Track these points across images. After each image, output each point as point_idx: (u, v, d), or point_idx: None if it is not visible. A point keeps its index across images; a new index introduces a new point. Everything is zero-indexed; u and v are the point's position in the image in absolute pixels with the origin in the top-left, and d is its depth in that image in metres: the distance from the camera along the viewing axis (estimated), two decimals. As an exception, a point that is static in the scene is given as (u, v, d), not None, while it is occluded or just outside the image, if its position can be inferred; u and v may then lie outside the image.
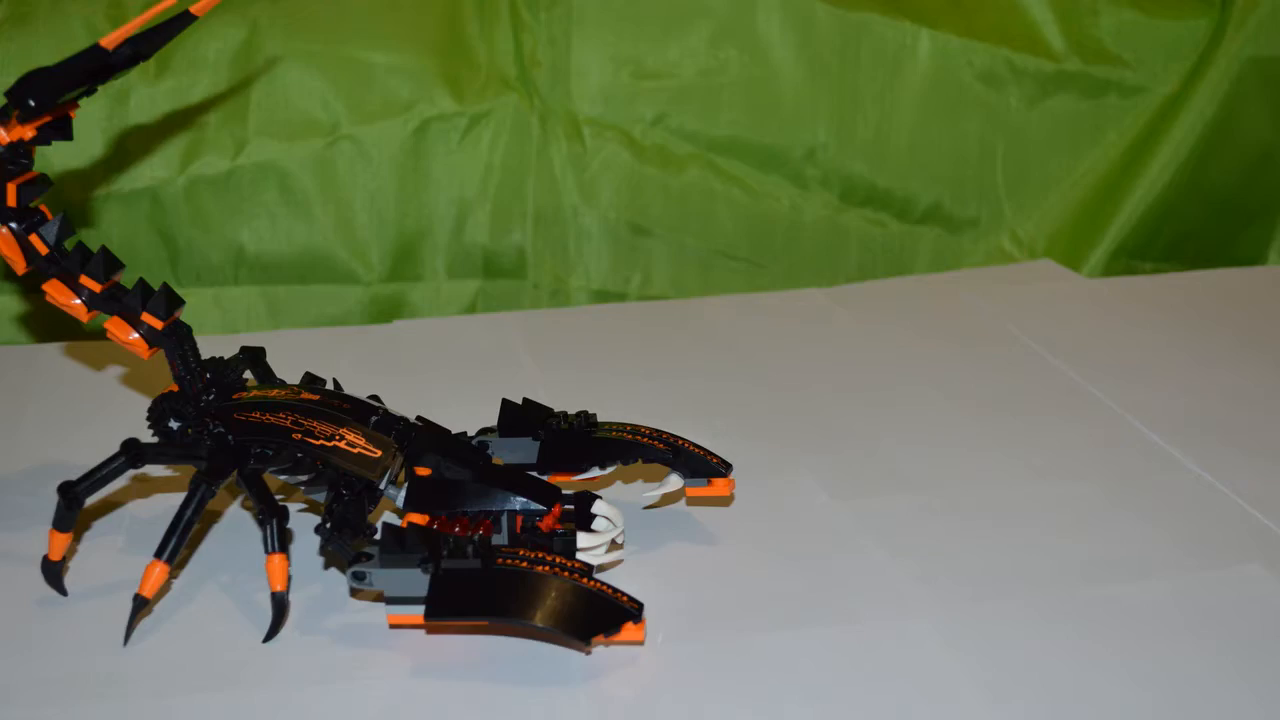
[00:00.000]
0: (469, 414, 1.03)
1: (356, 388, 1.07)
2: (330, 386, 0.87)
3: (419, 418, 0.83)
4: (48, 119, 0.76)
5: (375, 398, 0.85)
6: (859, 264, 1.34)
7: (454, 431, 0.84)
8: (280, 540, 0.74)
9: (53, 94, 0.72)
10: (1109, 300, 1.24)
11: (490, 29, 1.24)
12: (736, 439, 0.96)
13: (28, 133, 0.75)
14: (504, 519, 0.77)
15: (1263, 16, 1.31)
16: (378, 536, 0.73)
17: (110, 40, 0.71)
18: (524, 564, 0.71)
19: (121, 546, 0.85)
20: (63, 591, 0.79)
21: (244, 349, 0.88)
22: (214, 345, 1.15)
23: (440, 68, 1.22)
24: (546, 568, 0.71)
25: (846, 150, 1.32)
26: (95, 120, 1.18)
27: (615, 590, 0.71)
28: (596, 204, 1.28)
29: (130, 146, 1.19)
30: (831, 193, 1.32)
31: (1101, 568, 0.81)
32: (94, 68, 0.72)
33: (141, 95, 1.18)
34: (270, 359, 1.12)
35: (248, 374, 0.88)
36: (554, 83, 1.25)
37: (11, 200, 0.76)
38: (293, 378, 1.09)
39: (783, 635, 0.75)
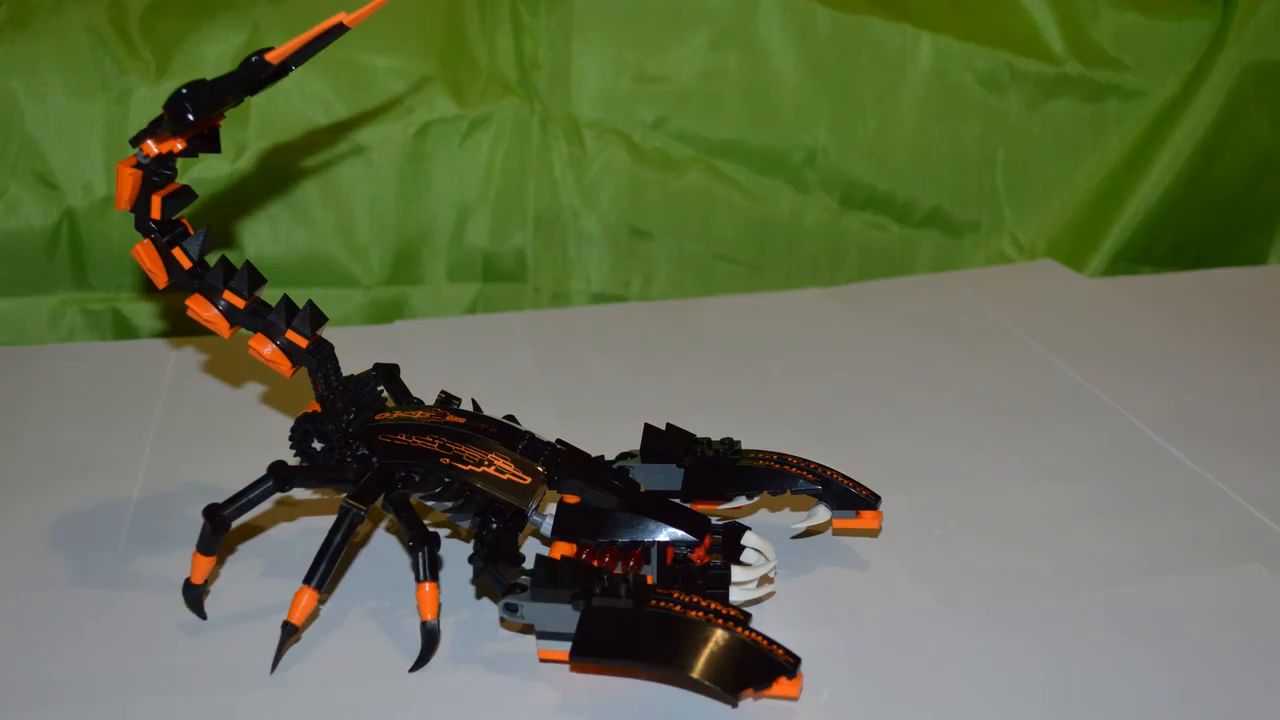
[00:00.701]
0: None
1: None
2: (468, 407, 0.84)
3: (559, 441, 0.80)
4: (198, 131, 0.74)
5: (511, 418, 0.83)
6: (859, 267, 1.34)
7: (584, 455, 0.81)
8: (432, 568, 0.72)
9: (210, 106, 0.70)
10: (1110, 300, 1.24)
11: (491, 32, 1.24)
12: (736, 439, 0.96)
13: (178, 145, 0.74)
14: (654, 550, 0.74)
15: (1263, 21, 1.31)
16: (527, 565, 0.72)
17: (276, 55, 0.69)
18: (677, 608, 0.67)
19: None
20: (202, 615, 0.77)
21: (377, 366, 0.85)
22: (214, 345, 1.16)
23: (441, 71, 1.22)
24: (700, 613, 0.67)
25: (847, 154, 1.31)
26: (95, 124, 1.17)
27: (771, 641, 0.66)
28: (597, 207, 1.28)
29: (130, 150, 1.18)
30: (831, 196, 1.32)
31: (1101, 568, 0.81)
32: (253, 81, 0.71)
33: (141, 98, 1.18)
34: (270, 359, 1.12)
35: (383, 391, 0.85)
36: (554, 86, 1.25)
37: (156, 212, 0.75)
38: (298, 377, 1.09)
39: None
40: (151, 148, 0.73)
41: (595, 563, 0.73)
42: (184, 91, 0.70)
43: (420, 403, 0.84)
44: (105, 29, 1.17)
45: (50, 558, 0.84)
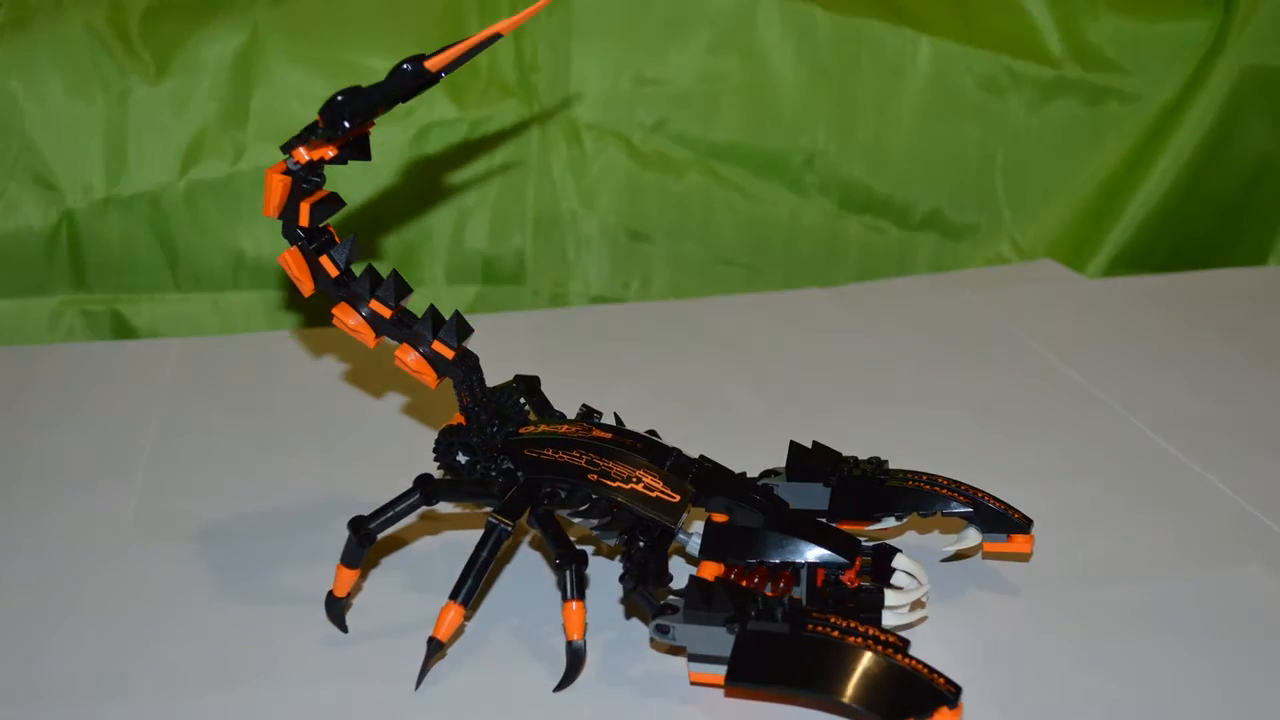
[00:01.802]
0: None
1: (356, 386, 1.08)
2: (610, 420, 0.82)
3: (702, 457, 0.78)
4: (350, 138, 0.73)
5: (653, 433, 0.81)
6: (858, 270, 1.34)
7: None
8: (579, 587, 0.70)
9: (366, 113, 0.69)
10: (1110, 300, 1.24)
11: (490, 34, 1.24)
12: (736, 438, 0.96)
13: (329, 152, 0.73)
14: (804, 572, 0.72)
15: (1261, 25, 1.31)
16: (674, 585, 0.70)
17: (435, 63, 0.68)
18: (835, 633, 0.65)
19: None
20: (344, 629, 0.76)
21: (518, 377, 0.84)
22: (215, 345, 1.16)
23: (440, 73, 1.22)
24: (859, 639, 0.64)
25: (846, 156, 1.32)
26: (95, 124, 1.17)
27: (931, 670, 0.64)
28: (596, 209, 1.28)
29: (130, 151, 1.19)
30: (830, 199, 1.32)
31: (1101, 568, 0.81)
32: (408, 89, 0.69)
33: (141, 99, 1.18)
34: (270, 359, 1.13)
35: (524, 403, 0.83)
36: (554, 88, 1.25)
37: (304, 220, 0.74)
38: (298, 377, 1.10)
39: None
40: (303, 154, 0.72)
41: (744, 583, 0.71)
42: (340, 99, 0.69)
43: (563, 416, 0.82)
44: (105, 30, 1.16)
45: (50, 558, 0.84)
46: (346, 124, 0.69)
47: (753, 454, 0.84)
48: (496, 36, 0.68)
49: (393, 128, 1.22)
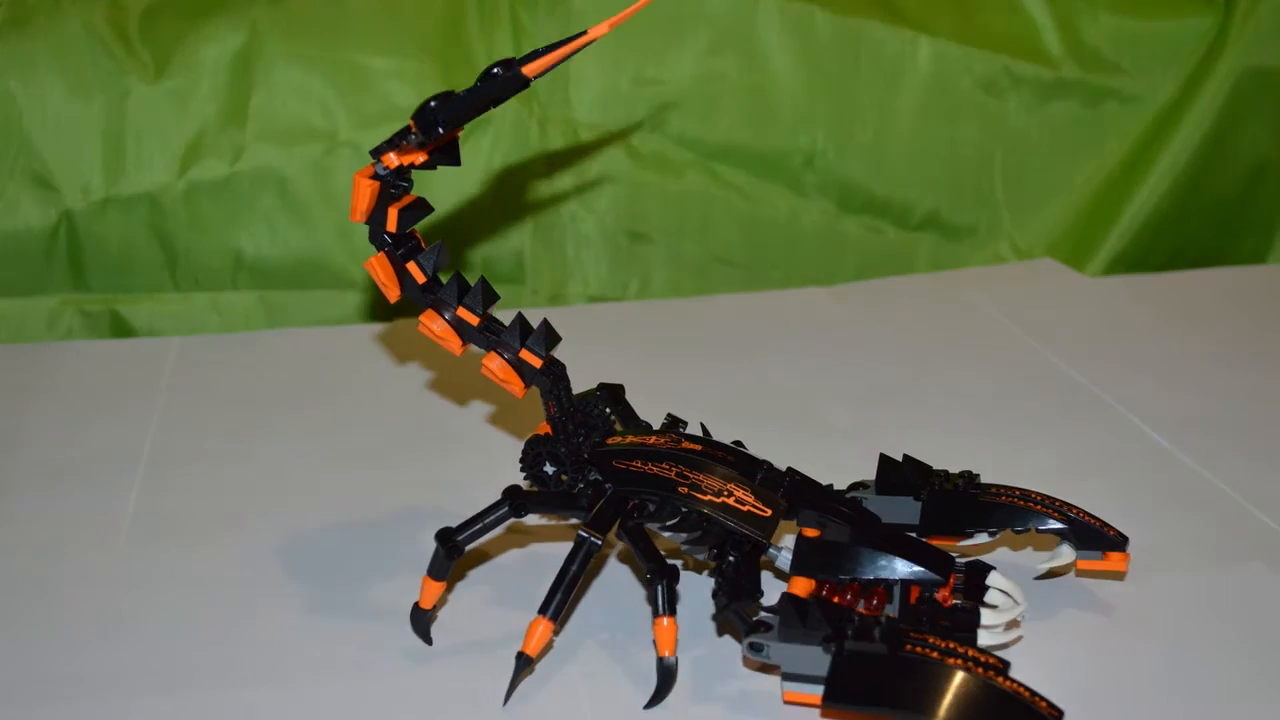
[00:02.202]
0: (469, 414, 1.03)
1: (357, 386, 1.08)
2: (697, 431, 0.81)
3: (790, 469, 0.77)
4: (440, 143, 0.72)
5: (739, 443, 0.80)
6: (856, 271, 1.34)
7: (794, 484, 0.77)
8: (670, 602, 0.69)
9: (460, 119, 0.68)
10: (1110, 299, 1.24)
11: (490, 34, 1.24)
12: (736, 438, 0.96)
13: (419, 157, 0.72)
14: (897, 589, 0.70)
15: (1261, 26, 1.31)
16: (765, 602, 0.69)
17: (532, 69, 0.66)
18: (934, 654, 0.63)
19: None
20: (428, 641, 0.75)
21: (602, 386, 0.82)
22: (214, 345, 1.16)
23: (440, 73, 1.22)
24: (959, 660, 0.63)
25: (845, 157, 1.31)
26: (94, 124, 1.17)
27: (1033, 693, 0.62)
28: (595, 210, 1.28)
29: (129, 151, 1.19)
30: (829, 200, 1.32)
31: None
32: (502, 94, 0.68)
33: (140, 99, 1.18)
34: (270, 358, 1.13)
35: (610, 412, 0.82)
36: (553, 88, 1.25)
37: (392, 225, 0.73)
38: (293, 376, 1.09)
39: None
40: (392, 159, 0.71)
41: (836, 600, 0.70)
42: (433, 104, 0.68)
43: (649, 426, 0.81)
44: (104, 29, 1.16)
45: (50, 558, 0.84)
46: (440, 129, 0.68)
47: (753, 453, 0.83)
48: (589, 41, 0.68)
49: (392, 127, 1.21)
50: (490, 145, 1.24)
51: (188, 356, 1.13)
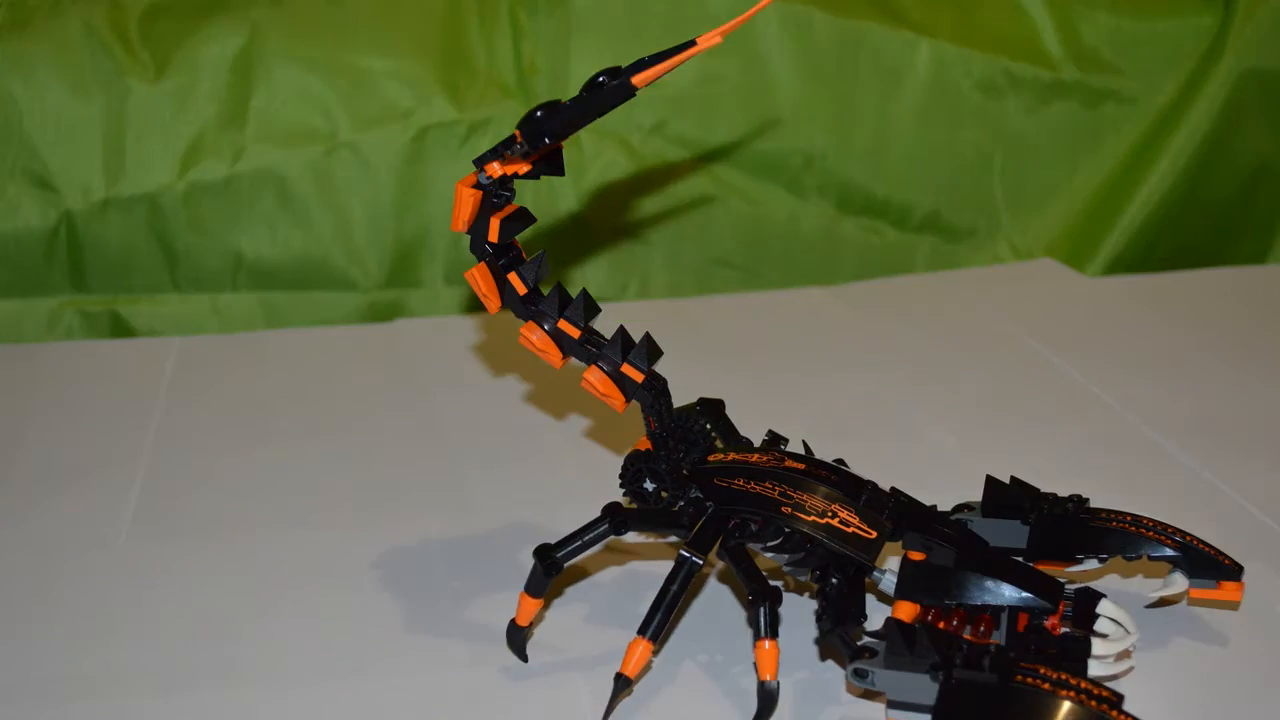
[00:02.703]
0: (469, 414, 1.03)
1: (356, 386, 1.08)
2: (799, 449, 0.79)
3: (894, 490, 0.75)
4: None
5: (841, 461, 0.77)
6: (856, 272, 1.34)
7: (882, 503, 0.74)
8: (773, 625, 0.67)
9: (566, 129, 0.68)
10: (1110, 299, 1.24)
11: (490, 35, 1.24)
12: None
13: (523, 167, 0.70)
14: (1004, 616, 0.68)
15: (1260, 28, 1.31)
16: (868, 626, 0.68)
17: (641, 79, 0.66)
18: (1046, 685, 0.61)
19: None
20: (524, 658, 0.74)
21: (701, 401, 0.81)
22: (215, 345, 1.16)
23: (439, 74, 1.22)
24: (1071, 692, 0.60)
25: (844, 159, 1.31)
26: (94, 126, 1.17)
27: None
28: (594, 211, 1.28)
29: (129, 152, 1.19)
30: (829, 201, 1.32)
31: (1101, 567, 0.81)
32: (609, 104, 0.67)
33: (140, 100, 1.18)
34: (269, 359, 1.13)
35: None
36: (553, 90, 1.25)
37: (493, 235, 0.72)
38: (292, 376, 1.09)
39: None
40: (496, 169, 0.70)
41: (942, 625, 0.68)
42: (540, 114, 0.67)
43: (749, 442, 0.80)
44: (104, 30, 1.16)
45: (50, 558, 0.84)
46: (547, 140, 0.67)
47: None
48: (693, 46, 0.67)
49: (391, 128, 1.22)
50: (489, 147, 1.24)
51: (188, 357, 1.13)
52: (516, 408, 1.04)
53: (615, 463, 0.94)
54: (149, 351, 1.14)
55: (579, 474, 0.94)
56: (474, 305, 1.28)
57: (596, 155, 1.26)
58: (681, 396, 1.04)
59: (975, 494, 0.78)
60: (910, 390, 1.06)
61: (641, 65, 0.66)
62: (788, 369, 1.10)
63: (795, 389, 1.07)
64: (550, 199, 1.26)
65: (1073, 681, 0.61)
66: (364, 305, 1.26)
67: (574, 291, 0.75)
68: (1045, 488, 0.80)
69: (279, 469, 0.95)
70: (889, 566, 0.73)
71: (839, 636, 0.67)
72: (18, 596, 0.80)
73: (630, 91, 0.66)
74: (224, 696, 0.71)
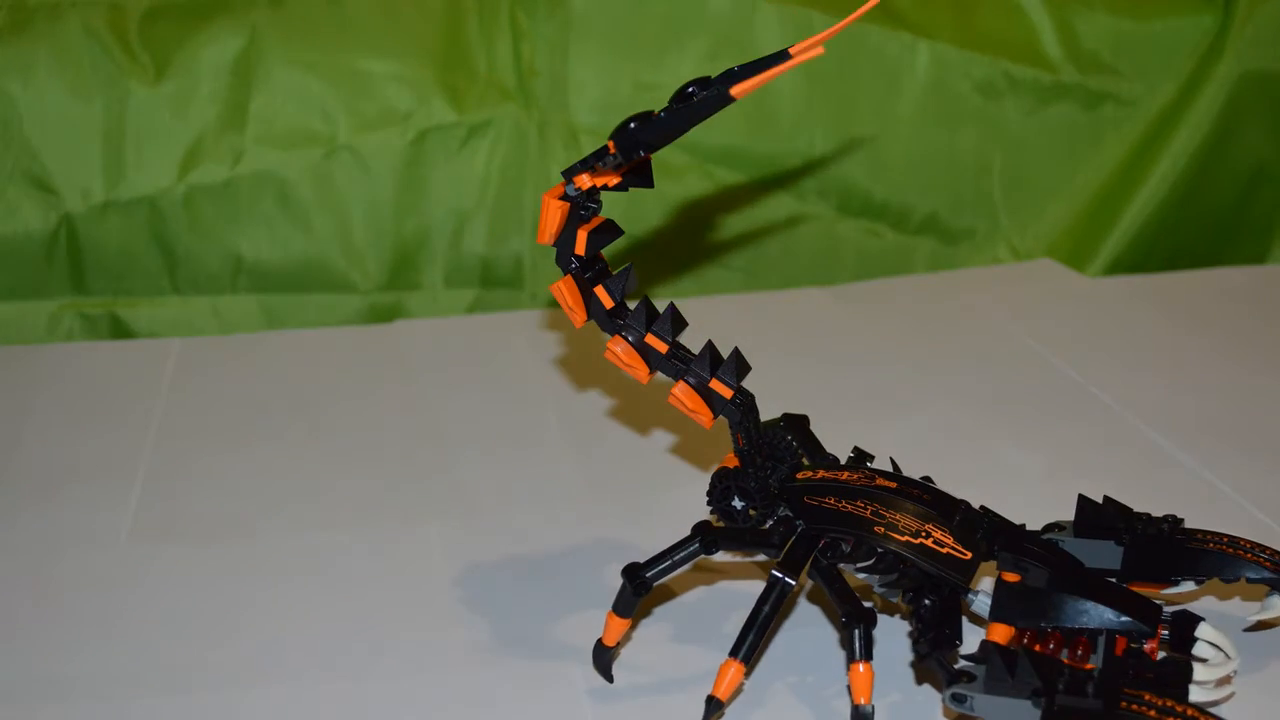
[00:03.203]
0: (469, 414, 1.03)
1: (356, 387, 1.08)
2: (887, 467, 0.77)
3: (985, 509, 0.74)
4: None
5: (928, 479, 0.76)
6: (855, 274, 1.34)
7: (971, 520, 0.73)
8: (868, 647, 0.65)
9: (662, 140, 0.65)
10: (1109, 299, 1.24)
11: (489, 39, 1.24)
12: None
13: (613, 179, 0.69)
14: (1101, 639, 0.66)
15: (1260, 30, 1.31)
16: (963, 649, 0.67)
17: (740, 90, 0.63)
18: (1151, 712, 0.59)
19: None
20: (609, 679, 0.72)
21: (785, 416, 0.79)
22: (215, 346, 1.16)
23: (439, 77, 1.22)
24: None
25: (843, 161, 1.31)
26: (93, 128, 1.17)
27: None
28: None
29: (129, 154, 1.19)
30: (828, 203, 1.32)
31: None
32: (704, 114, 0.64)
33: (140, 102, 1.18)
34: (269, 360, 1.13)
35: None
36: (553, 92, 1.25)
37: (580, 248, 0.70)
38: (292, 377, 1.09)
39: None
40: (585, 181, 0.68)
41: (1038, 648, 0.66)
42: (633, 126, 0.65)
43: (835, 459, 0.78)
44: (104, 32, 1.16)
45: (50, 558, 0.84)
46: (641, 151, 0.65)
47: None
48: (786, 57, 0.64)
49: (391, 131, 1.22)
50: (489, 149, 1.24)
51: (188, 358, 1.13)
52: (516, 408, 1.04)
53: (616, 463, 0.95)
54: (149, 353, 1.14)
55: (579, 474, 0.94)
56: (473, 310, 1.28)
57: (596, 157, 1.26)
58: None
59: (978, 495, 0.78)
60: (910, 391, 1.06)
61: (732, 76, 0.64)
62: (787, 369, 1.10)
63: (795, 389, 1.06)
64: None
65: (1178, 709, 0.59)
66: (363, 307, 1.26)
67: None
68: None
69: (279, 469, 0.95)
70: (981, 588, 0.71)
71: (937, 660, 0.66)
72: (18, 596, 0.80)
73: (727, 101, 0.63)
74: (224, 696, 0.71)
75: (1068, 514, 0.82)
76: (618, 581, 0.70)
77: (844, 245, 1.34)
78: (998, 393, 1.05)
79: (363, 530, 0.87)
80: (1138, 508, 0.79)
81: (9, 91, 1.15)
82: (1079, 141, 1.34)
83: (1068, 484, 0.89)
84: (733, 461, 0.74)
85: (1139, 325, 1.18)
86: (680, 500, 0.88)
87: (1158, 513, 0.75)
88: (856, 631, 0.65)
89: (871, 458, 0.78)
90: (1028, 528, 0.74)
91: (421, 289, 1.27)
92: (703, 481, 0.92)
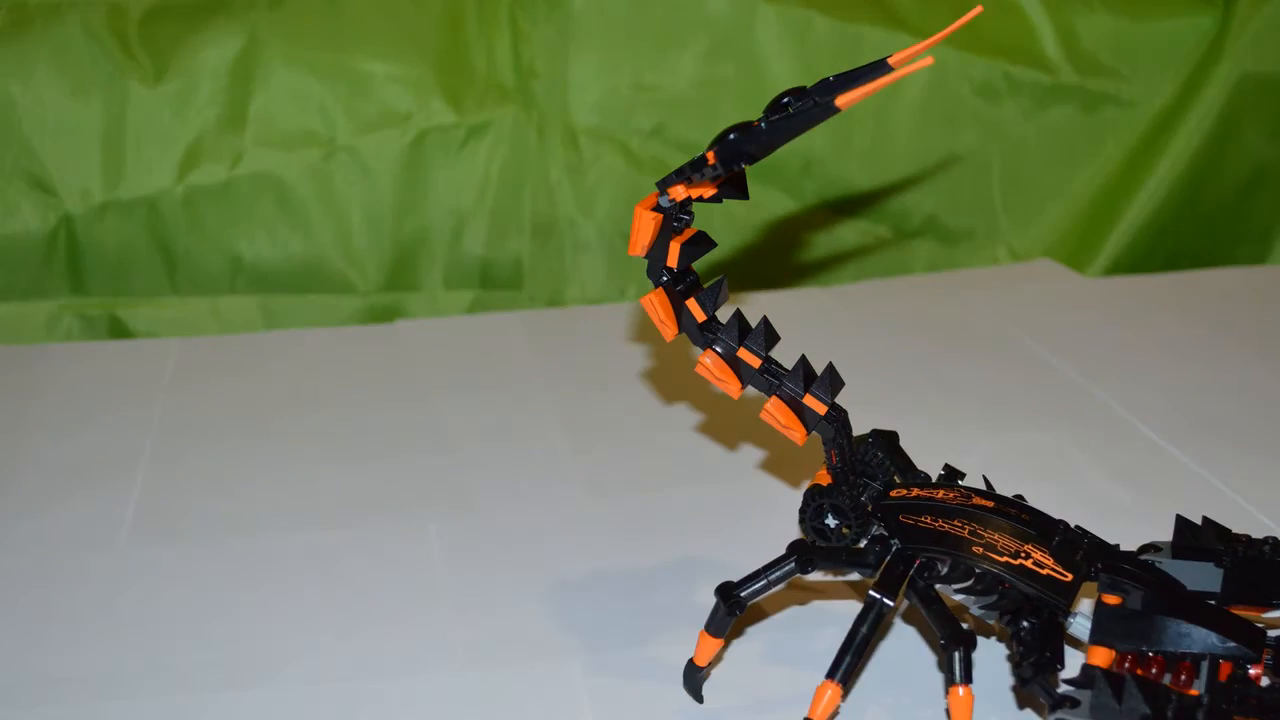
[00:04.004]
0: (468, 414, 1.03)
1: (356, 387, 1.08)
2: (978, 484, 0.75)
3: (1078, 527, 0.72)
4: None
5: (1020, 497, 0.74)
6: (854, 275, 1.34)
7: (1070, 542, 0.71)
8: (967, 671, 0.64)
9: (764, 151, 0.63)
10: (1109, 300, 1.24)
11: (489, 39, 1.24)
12: (737, 439, 0.96)
13: (709, 190, 0.67)
14: (1205, 664, 0.64)
15: (1259, 32, 1.31)
16: (1064, 674, 0.65)
17: (844, 101, 0.60)
18: None
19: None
20: (699, 700, 0.71)
21: (875, 432, 0.76)
22: (213, 345, 1.16)
23: (438, 78, 1.22)
24: None
25: (843, 162, 1.31)
26: (93, 128, 1.17)
27: None
28: (593, 215, 1.28)
29: (128, 155, 1.19)
30: (827, 205, 1.32)
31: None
32: (806, 124, 0.62)
33: (139, 103, 1.18)
34: (268, 359, 1.13)
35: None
36: (552, 94, 1.25)
37: (672, 260, 0.69)
38: (291, 377, 1.09)
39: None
40: (680, 192, 0.67)
41: (1140, 673, 0.64)
42: (734, 136, 0.63)
43: (927, 477, 0.76)
44: (103, 33, 1.16)
45: (50, 558, 0.84)
46: (743, 162, 0.64)
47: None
48: (886, 67, 0.61)
49: (390, 132, 1.22)
50: (489, 150, 1.24)
51: (188, 358, 1.13)
52: (515, 408, 1.04)
53: (616, 463, 0.95)
54: (148, 353, 1.14)
55: (578, 474, 0.94)
56: (472, 311, 1.28)
57: (595, 158, 1.27)
58: (677, 397, 1.04)
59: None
60: (910, 391, 1.06)
61: (831, 86, 0.61)
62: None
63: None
64: (549, 202, 1.26)
65: None
66: (362, 309, 1.26)
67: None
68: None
69: (278, 469, 0.95)
70: (1079, 609, 0.70)
71: (1041, 684, 0.64)
72: (18, 596, 0.80)
73: (833, 112, 0.61)
74: (224, 697, 0.71)
75: (1071, 518, 0.82)
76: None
77: (843, 247, 1.34)
78: (997, 393, 1.05)
79: (361, 530, 0.87)
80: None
81: (8, 92, 1.16)
82: (1078, 143, 1.34)
83: (1067, 484, 0.90)
84: (824, 479, 0.73)
85: (1139, 325, 1.18)
86: (681, 499, 0.89)
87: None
88: (956, 654, 0.64)
89: (962, 475, 0.76)
90: (1121, 548, 0.72)
91: (421, 290, 1.27)
92: (702, 482, 0.92)
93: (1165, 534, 0.84)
